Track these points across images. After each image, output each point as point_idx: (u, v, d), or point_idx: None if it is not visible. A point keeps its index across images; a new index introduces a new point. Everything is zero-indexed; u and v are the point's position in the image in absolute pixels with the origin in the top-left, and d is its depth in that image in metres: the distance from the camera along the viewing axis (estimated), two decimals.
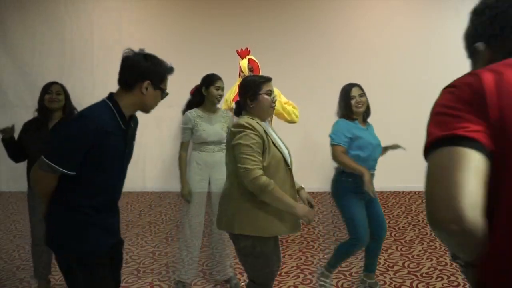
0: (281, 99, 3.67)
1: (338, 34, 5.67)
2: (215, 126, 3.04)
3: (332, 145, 2.79)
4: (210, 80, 3.02)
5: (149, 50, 5.68)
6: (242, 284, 3.18)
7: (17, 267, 3.52)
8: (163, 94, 1.88)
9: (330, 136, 2.82)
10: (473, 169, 0.82)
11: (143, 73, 1.79)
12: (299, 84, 5.60)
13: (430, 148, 0.93)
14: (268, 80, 2.18)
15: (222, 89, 3.04)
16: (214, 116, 3.06)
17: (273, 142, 2.09)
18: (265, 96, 2.14)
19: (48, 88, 2.92)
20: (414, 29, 5.56)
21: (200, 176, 3.05)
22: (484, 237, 0.81)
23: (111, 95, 1.86)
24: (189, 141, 3.08)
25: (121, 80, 1.84)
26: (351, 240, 2.81)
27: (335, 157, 2.77)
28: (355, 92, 2.84)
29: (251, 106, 2.14)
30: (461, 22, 4.74)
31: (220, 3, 5.75)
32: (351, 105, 2.83)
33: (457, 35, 5.51)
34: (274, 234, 2.13)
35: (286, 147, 2.25)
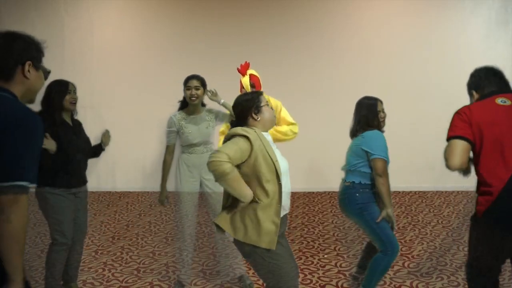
0: (281, 113, 3.58)
1: (338, 34, 5.66)
2: (201, 126, 3.04)
3: (378, 159, 2.63)
4: (184, 82, 3.05)
5: (149, 49, 5.71)
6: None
7: None
8: (46, 73, 1.64)
9: (372, 149, 2.66)
10: (460, 148, 2.02)
11: (20, 55, 1.51)
12: (299, 84, 5.61)
13: (447, 140, 2.08)
14: (261, 93, 2.25)
15: (196, 88, 3.01)
16: (199, 116, 3.06)
17: (268, 154, 2.06)
18: (267, 107, 2.20)
19: (66, 87, 2.79)
20: (414, 29, 5.56)
21: (192, 178, 3.05)
22: (468, 170, 2.19)
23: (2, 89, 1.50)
24: (174, 144, 3.10)
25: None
26: (387, 251, 2.68)
27: (381, 173, 2.62)
28: (379, 106, 2.80)
29: (258, 120, 2.16)
30: (461, 22, 4.76)
31: (220, 3, 5.75)
32: (379, 119, 2.76)
33: (456, 35, 5.52)
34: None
35: (285, 162, 2.19)
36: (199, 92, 3.03)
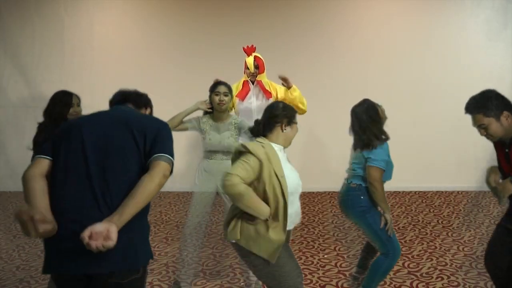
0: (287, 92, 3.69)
1: (338, 34, 5.67)
2: (223, 135, 3.04)
3: (372, 167, 2.61)
4: (211, 87, 3.06)
5: (149, 50, 5.71)
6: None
7: (17, 267, 3.52)
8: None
9: (370, 156, 2.63)
10: None
11: (147, 101, 2.28)
12: (299, 84, 5.56)
13: None
14: (296, 113, 2.28)
15: (225, 94, 3.02)
16: (223, 125, 3.05)
17: (274, 170, 2.06)
18: (296, 126, 2.24)
19: (70, 100, 2.77)
20: (414, 29, 5.56)
21: (208, 182, 3.05)
22: None
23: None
24: (187, 128, 3.07)
25: (135, 101, 2.23)
26: (389, 254, 2.67)
27: (375, 180, 2.60)
28: (378, 107, 2.75)
29: (284, 132, 2.18)
30: (461, 22, 4.76)
31: (221, 3, 5.75)
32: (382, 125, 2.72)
33: (456, 35, 5.51)
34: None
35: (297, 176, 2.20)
36: (227, 98, 3.03)
